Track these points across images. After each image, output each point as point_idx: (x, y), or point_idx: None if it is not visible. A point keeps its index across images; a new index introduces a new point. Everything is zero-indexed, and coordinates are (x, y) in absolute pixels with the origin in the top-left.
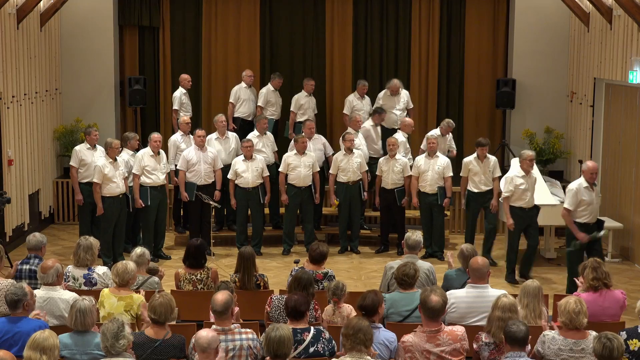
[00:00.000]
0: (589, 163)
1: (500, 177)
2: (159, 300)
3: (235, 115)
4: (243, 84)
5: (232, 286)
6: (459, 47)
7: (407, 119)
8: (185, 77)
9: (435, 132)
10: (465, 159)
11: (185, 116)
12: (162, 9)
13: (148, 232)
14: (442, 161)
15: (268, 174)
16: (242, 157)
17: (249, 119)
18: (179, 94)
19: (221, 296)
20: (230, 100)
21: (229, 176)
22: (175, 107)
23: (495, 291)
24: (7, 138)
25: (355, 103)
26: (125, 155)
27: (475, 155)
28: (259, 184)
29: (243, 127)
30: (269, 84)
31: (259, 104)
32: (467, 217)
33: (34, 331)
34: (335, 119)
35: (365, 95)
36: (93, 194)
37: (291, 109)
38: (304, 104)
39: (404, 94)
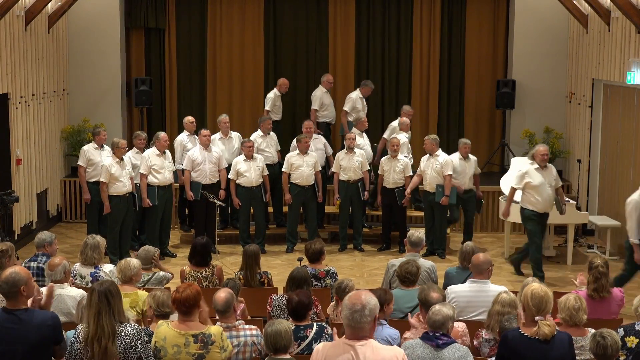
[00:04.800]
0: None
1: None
2: (165, 295)
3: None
4: (277, 92)
5: (239, 283)
6: (459, 48)
7: (405, 118)
8: (284, 82)
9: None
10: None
11: (189, 116)
12: (168, 11)
13: (154, 230)
14: (440, 159)
15: (267, 172)
16: (242, 157)
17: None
18: (273, 95)
19: (222, 294)
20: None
21: (230, 176)
22: (267, 107)
23: (495, 287)
24: (15, 138)
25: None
26: (129, 153)
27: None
28: (260, 183)
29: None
30: (358, 89)
31: (345, 108)
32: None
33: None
34: (336, 119)
35: None
36: (100, 193)
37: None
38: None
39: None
